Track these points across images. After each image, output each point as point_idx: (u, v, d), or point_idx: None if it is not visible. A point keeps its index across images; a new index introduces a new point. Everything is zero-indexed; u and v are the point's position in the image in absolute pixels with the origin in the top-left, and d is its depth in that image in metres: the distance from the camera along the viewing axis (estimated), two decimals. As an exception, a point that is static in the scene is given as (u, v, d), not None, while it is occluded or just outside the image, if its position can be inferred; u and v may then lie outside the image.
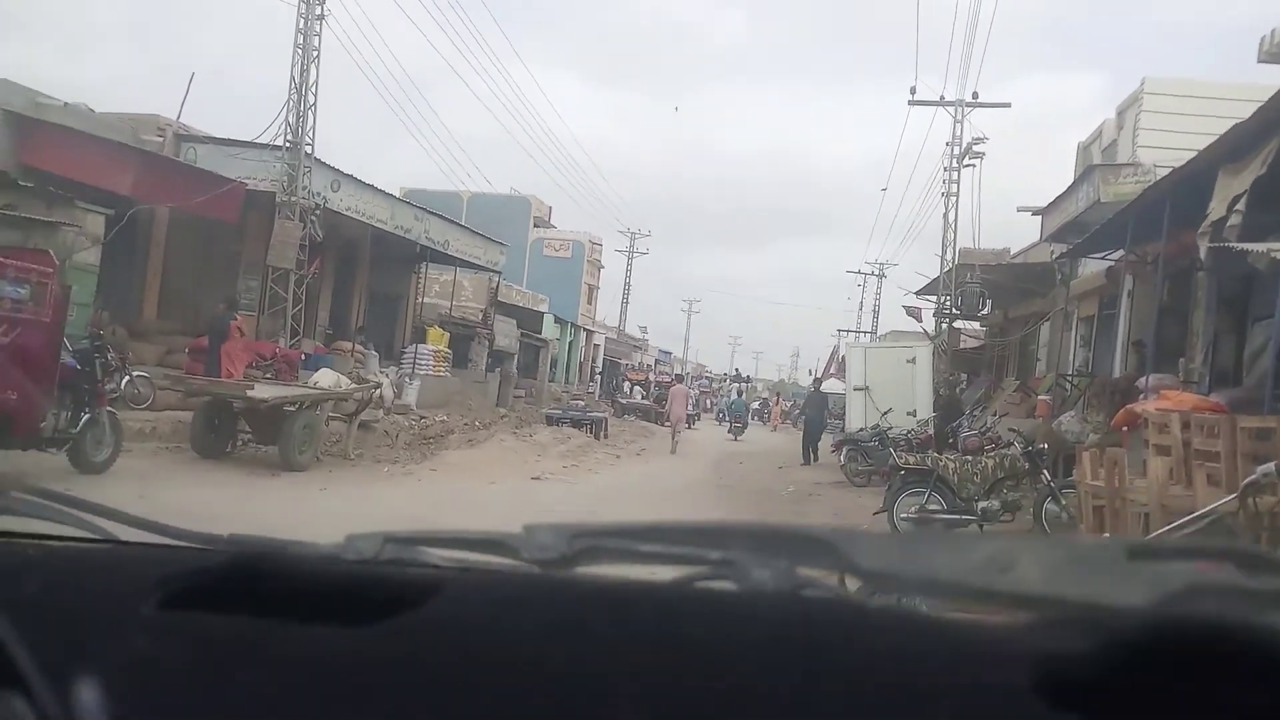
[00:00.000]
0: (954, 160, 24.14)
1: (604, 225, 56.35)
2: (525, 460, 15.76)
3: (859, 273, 53.02)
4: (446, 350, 24.46)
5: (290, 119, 17.61)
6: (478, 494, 11.68)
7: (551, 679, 0.66)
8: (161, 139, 17.70)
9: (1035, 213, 18.22)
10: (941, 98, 24.03)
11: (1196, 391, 9.95)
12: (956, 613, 0.75)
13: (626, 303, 51.06)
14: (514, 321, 31.19)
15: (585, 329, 44.94)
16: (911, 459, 10.67)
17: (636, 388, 39.14)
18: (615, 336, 50.24)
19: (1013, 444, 10.74)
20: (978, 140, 23.77)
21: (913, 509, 9.73)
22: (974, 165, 24.04)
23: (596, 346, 46.93)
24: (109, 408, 10.16)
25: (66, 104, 16.32)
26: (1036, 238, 19.29)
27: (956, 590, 0.72)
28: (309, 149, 17.75)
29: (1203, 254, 8.14)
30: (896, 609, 0.76)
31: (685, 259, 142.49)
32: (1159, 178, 10.64)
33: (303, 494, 10.38)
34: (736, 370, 64.89)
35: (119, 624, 0.76)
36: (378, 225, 20.72)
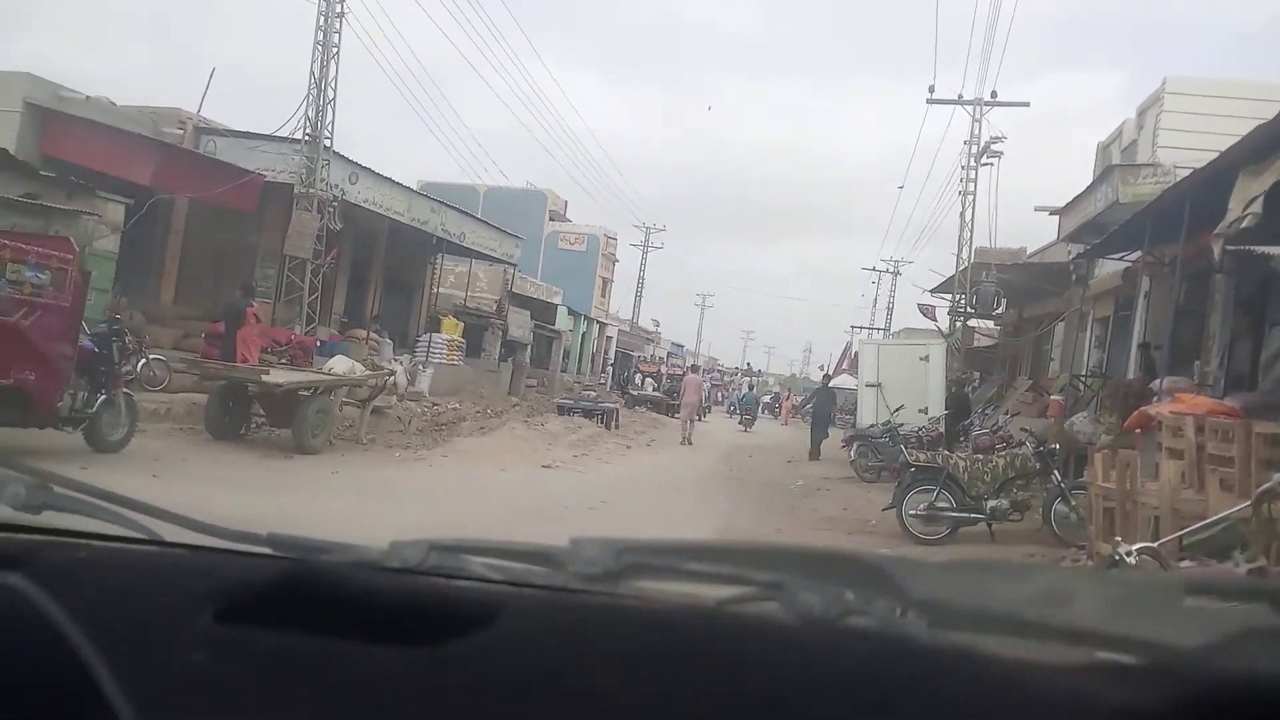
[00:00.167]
0: (972, 159, 24.05)
1: (619, 219, 56.45)
2: (536, 449, 15.82)
3: (873, 270, 52.93)
4: (460, 340, 24.58)
5: (310, 113, 17.71)
6: (489, 480, 11.75)
7: (601, 703, 0.66)
8: (182, 131, 17.85)
9: (1053, 212, 18.16)
10: (960, 96, 23.95)
11: (1211, 395, 9.91)
12: (1010, 646, 0.71)
13: (640, 296, 51.13)
14: (528, 313, 31.28)
15: (598, 321, 45.02)
16: (922, 456, 10.67)
17: (648, 380, 39.18)
18: (628, 329, 50.30)
19: (1024, 443, 10.72)
20: (996, 139, 23.68)
21: (921, 506, 9.74)
22: (992, 164, 23.97)
23: (609, 339, 47.00)
24: (125, 389, 10.28)
25: (88, 97, 16.47)
26: (1053, 237, 19.22)
27: (1011, 623, 0.70)
28: (328, 142, 17.87)
29: (1218, 256, 8.11)
30: (948, 641, 0.72)
31: (700, 253, 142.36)
32: (1179, 179, 10.59)
33: (315, 476, 10.48)
34: (748, 364, 64.96)
35: (174, 634, 0.76)
36: (394, 217, 20.86)
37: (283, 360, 15.43)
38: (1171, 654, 0.62)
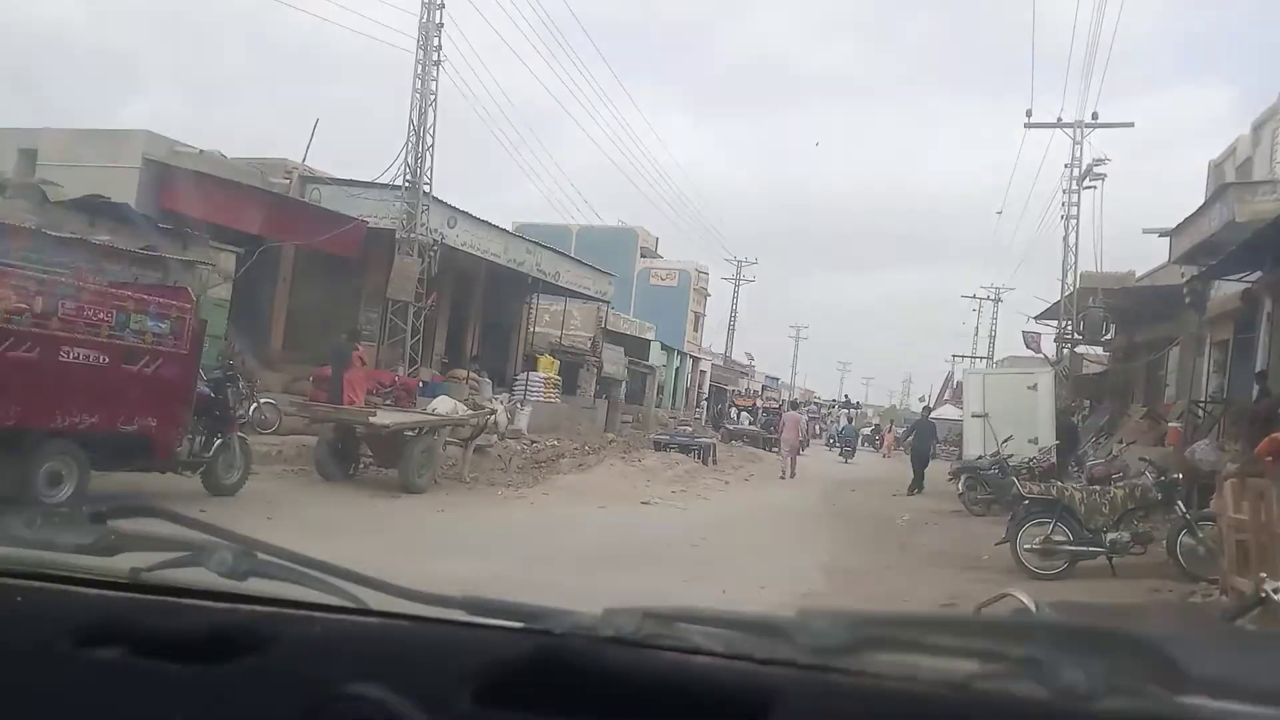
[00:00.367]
0: (1074, 182, 23.37)
1: (710, 254, 56.56)
2: (635, 485, 15.82)
3: (974, 297, 51.75)
4: (557, 377, 24.87)
5: (409, 160, 18.27)
6: (590, 518, 11.78)
7: None
8: (288, 181, 18.61)
9: (1163, 234, 17.46)
10: (1059, 119, 23.33)
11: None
12: None
13: (733, 329, 50.95)
14: (622, 349, 31.48)
15: (691, 356, 44.99)
16: (1036, 488, 10.29)
17: (744, 413, 38.88)
18: (721, 363, 50.12)
19: (1144, 473, 10.25)
20: (1099, 161, 22.98)
21: (1037, 540, 9.37)
22: (1095, 187, 23.22)
23: (703, 373, 46.91)
24: (239, 433, 10.65)
25: (201, 151, 17.33)
26: (1164, 260, 18.46)
27: None
28: (427, 188, 18.39)
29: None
30: None
31: (793, 285, 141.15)
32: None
33: (423, 515, 10.67)
34: (845, 396, 63.92)
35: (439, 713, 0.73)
36: (492, 259, 21.32)
37: (387, 401, 15.83)
38: None
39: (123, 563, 0.91)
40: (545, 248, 23.72)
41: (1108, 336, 22.27)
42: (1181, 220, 15.78)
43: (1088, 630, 0.76)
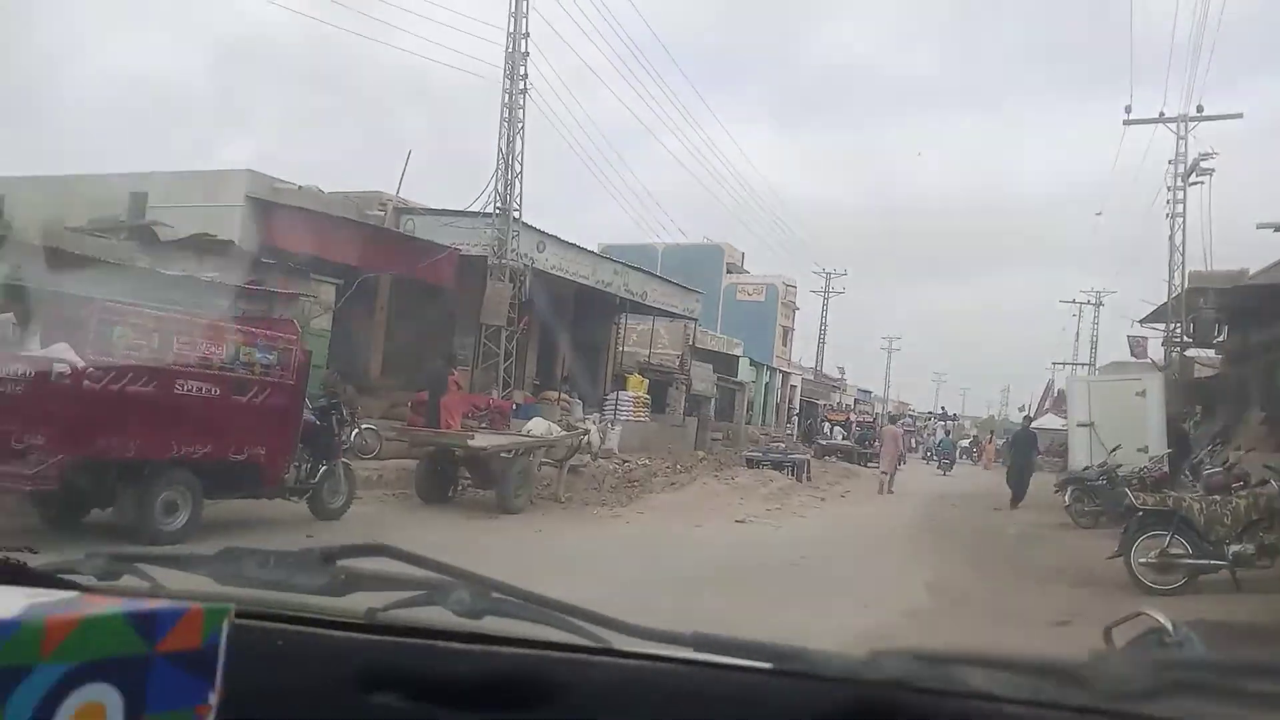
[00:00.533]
0: (1178, 179, 22.50)
1: (798, 267, 56.07)
2: (729, 503, 15.73)
3: (1073, 302, 50.16)
4: (646, 396, 24.93)
5: (499, 187, 18.63)
6: (686, 536, 11.74)
7: None
8: (383, 212, 19.15)
9: (1278, 229, 16.67)
10: (1161, 114, 22.52)
11: None
12: None
13: (823, 343, 50.41)
14: (710, 366, 31.40)
15: (781, 371, 44.62)
16: (1150, 498, 9.88)
17: (837, 428, 38.36)
18: (812, 377, 49.58)
19: (1268, 481, 9.74)
20: (1205, 156, 22.07)
21: (1152, 553, 8.98)
22: (1202, 182, 22.32)
23: (793, 388, 46.46)
24: (343, 459, 10.95)
25: (300, 187, 17.96)
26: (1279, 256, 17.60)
27: None
28: (516, 214, 18.73)
29: None
30: None
31: (884, 296, 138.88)
32: None
33: (521, 535, 10.79)
34: (942, 409, 62.54)
35: None
36: (580, 281, 21.57)
37: (483, 424, 16.07)
38: None
39: (354, 603, 0.91)
40: (632, 268, 23.90)
41: (1220, 338, 21.33)
42: (1297, 214, 15.04)
43: None
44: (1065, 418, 22.33)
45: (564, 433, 14.61)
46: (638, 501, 15.00)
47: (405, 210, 19.58)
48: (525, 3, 18.49)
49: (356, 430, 14.21)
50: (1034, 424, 23.95)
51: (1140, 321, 24.93)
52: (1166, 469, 15.86)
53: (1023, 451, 20.46)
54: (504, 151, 18.68)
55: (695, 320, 29.01)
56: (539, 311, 22.45)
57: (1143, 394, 17.99)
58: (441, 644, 0.85)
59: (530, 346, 22.57)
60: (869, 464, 29.39)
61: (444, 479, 13.08)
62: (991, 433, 49.57)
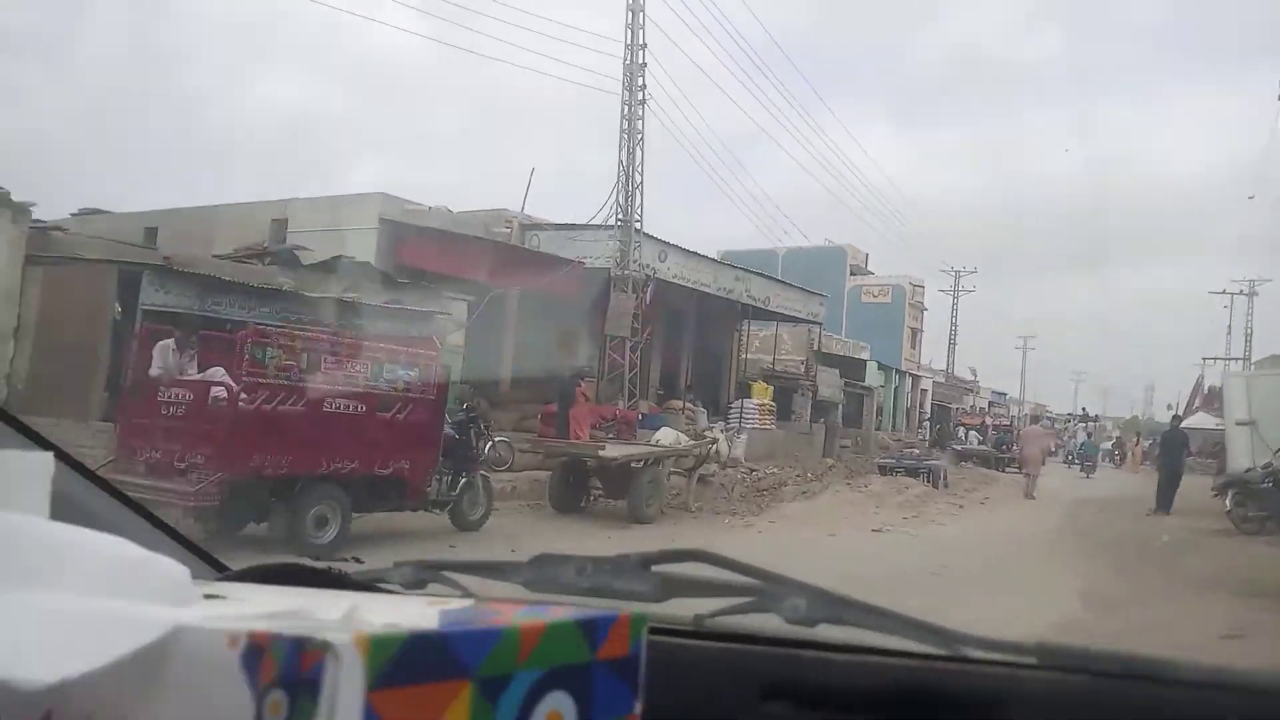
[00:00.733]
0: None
1: (925, 266, 54.64)
2: (863, 511, 15.42)
3: (1224, 293, 47.39)
4: (771, 404, 24.71)
5: (620, 199, 18.84)
6: (821, 545, 11.55)
7: None
8: (509, 229, 19.61)
9: None
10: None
11: None
12: None
13: (954, 344, 49.03)
14: (836, 371, 30.90)
15: (910, 374, 43.56)
16: (1326, 503, 9.19)
17: (972, 432, 37.16)
18: (943, 380, 48.24)
19: None
20: (1368, 129, 20.49)
21: (1333, 561, 8.35)
22: (1366, 158, 20.73)
23: (924, 391, 45.29)
24: (481, 471, 11.21)
25: (430, 208, 18.56)
26: None
27: None
28: (638, 225, 18.88)
29: None
30: None
31: (1017, 293, 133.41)
32: None
33: (654, 544, 10.75)
34: (1083, 409, 59.94)
35: None
36: (702, 289, 21.58)
37: (610, 435, 16.25)
38: None
39: (674, 609, 0.90)
40: (753, 273, 23.79)
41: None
42: None
43: None
44: (1219, 416, 21.07)
45: (692, 442, 14.62)
46: (769, 510, 14.86)
47: (530, 226, 20.00)
48: (642, 14, 18.66)
49: (490, 443, 14.53)
50: (1183, 423, 22.65)
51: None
52: (1341, 470, 14.74)
53: (1174, 453, 19.34)
54: (624, 163, 18.87)
55: (819, 324, 28.62)
56: (661, 321, 22.60)
57: (1310, 389, 16.81)
58: (794, 651, 0.83)
59: (653, 356, 22.69)
60: (1007, 469, 28.36)
61: (576, 489, 13.25)
62: (1137, 434, 47.23)
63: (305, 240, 17.03)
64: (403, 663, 0.44)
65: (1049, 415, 59.36)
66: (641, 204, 18.91)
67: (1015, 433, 33.14)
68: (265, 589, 0.68)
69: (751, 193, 40.52)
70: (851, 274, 44.05)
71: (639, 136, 18.85)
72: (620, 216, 18.83)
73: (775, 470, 19.15)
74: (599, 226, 19.01)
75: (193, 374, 9.38)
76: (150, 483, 7.93)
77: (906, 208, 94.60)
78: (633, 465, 12.89)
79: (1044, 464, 26.15)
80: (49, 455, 0.58)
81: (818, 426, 27.51)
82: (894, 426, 39.21)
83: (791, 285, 26.45)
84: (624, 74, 18.76)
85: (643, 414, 19.23)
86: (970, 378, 53.44)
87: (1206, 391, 41.96)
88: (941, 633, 0.80)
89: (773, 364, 28.31)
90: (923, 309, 47.11)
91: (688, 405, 21.92)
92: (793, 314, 26.16)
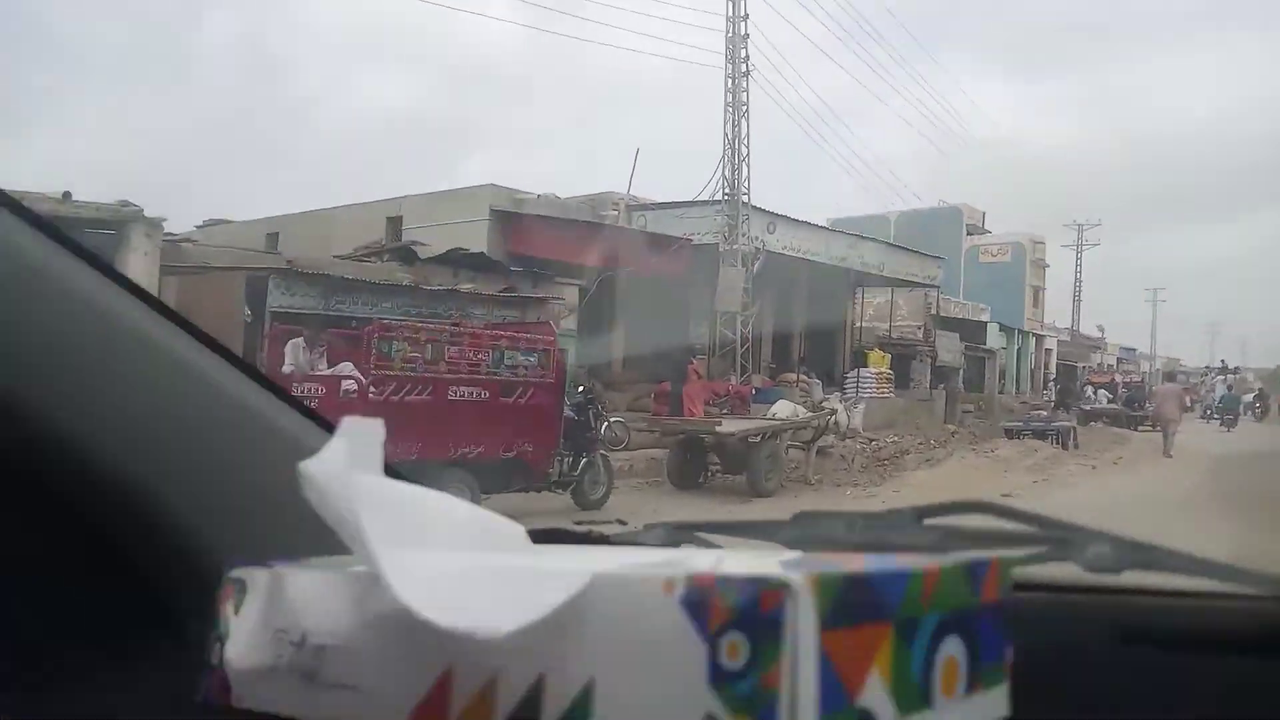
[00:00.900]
0: None
1: (1046, 222, 52.64)
2: (990, 476, 15.03)
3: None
4: (888, 371, 24.28)
5: (726, 173, 18.74)
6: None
7: None
8: (616, 212, 19.76)
9: None
10: None
11: None
12: None
13: (1078, 301, 47.17)
14: (955, 335, 30.12)
15: (1033, 334, 42.08)
16: None
17: (1101, 391, 35.70)
18: (1068, 339, 46.44)
19: None
20: None
21: None
22: None
23: (1048, 351, 43.69)
24: (601, 451, 11.41)
25: (539, 195, 18.84)
26: None
27: None
28: (745, 198, 18.75)
29: None
30: None
31: (1144, 245, 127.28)
32: None
33: (778, 517, 10.77)
34: (1222, 361, 56.86)
35: None
36: (813, 259, 21.30)
37: (725, 410, 16.24)
38: None
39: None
40: (865, 239, 23.40)
41: None
42: None
43: None
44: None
45: (810, 414, 14.52)
46: (891, 480, 14.64)
47: (637, 207, 20.09)
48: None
49: (606, 423, 14.74)
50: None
51: None
52: None
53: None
54: (729, 136, 18.76)
55: (936, 288, 27.92)
56: (771, 294, 22.40)
57: None
58: (1121, 598, 0.80)
59: (765, 330, 22.52)
60: (1139, 428, 27.15)
61: (694, 465, 13.32)
62: (1286, 384, 44.48)
63: (420, 235, 17.52)
64: (843, 604, 0.43)
65: (1182, 369, 56.54)
66: (748, 176, 18.81)
67: (1147, 389, 31.68)
68: (558, 548, 0.67)
69: (861, 157, 39.70)
70: (968, 234, 42.73)
71: (743, 109, 18.70)
72: (727, 190, 18.74)
73: (895, 439, 18.82)
74: (706, 202, 18.95)
75: (323, 370, 9.81)
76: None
77: (1024, 163, 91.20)
78: (750, 440, 12.88)
79: (1180, 420, 24.99)
80: (380, 421, 0.59)
81: (938, 393, 26.87)
82: (1018, 389, 37.99)
83: (905, 249, 25.88)
84: (726, 46, 18.62)
85: (756, 388, 19.13)
86: (1097, 335, 51.29)
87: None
88: (1253, 574, 0.78)
89: (889, 331, 27.78)
90: (1044, 266, 45.40)
91: (802, 378, 21.73)
92: (908, 278, 25.60)
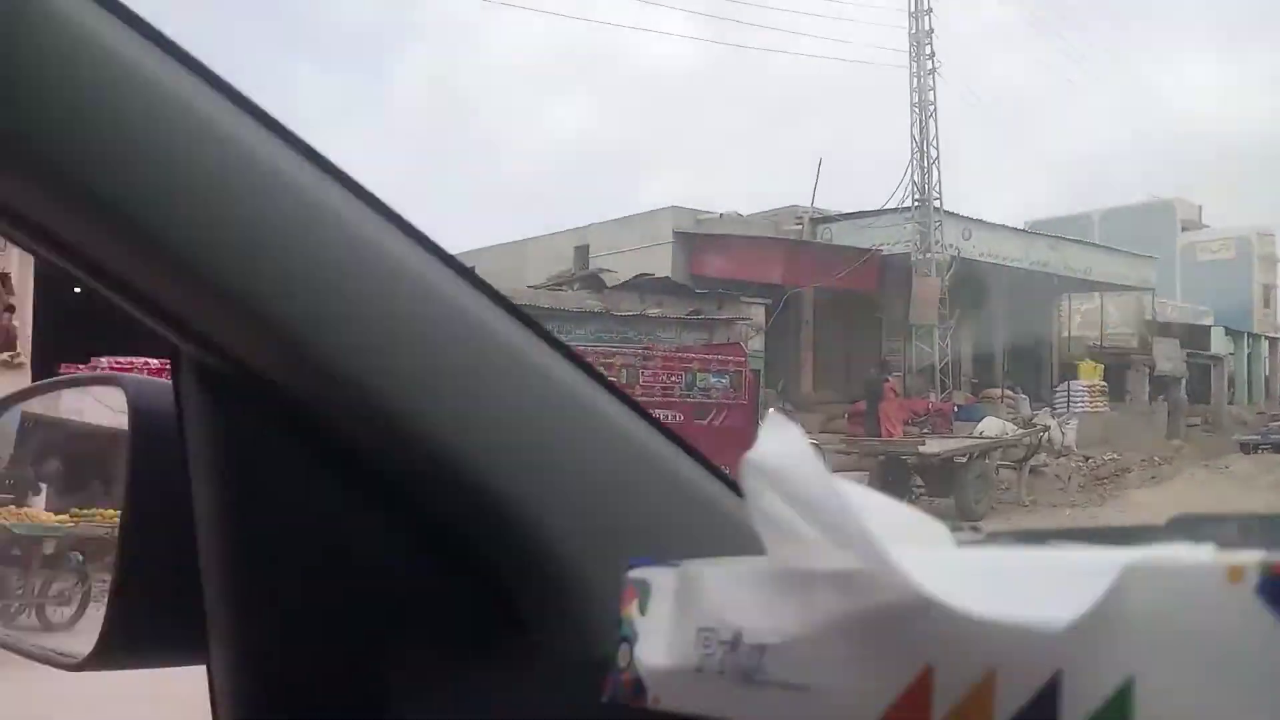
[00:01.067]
0: None
1: (1274, 211, 48.09)
2: (1225, 496, 13.79)
3: None
4: (1102, 383, 22.76)
5: (915, 178, 18.07)
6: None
7: None
8: (800, 226, 19.39)
9: None
10: None
11: None
12: None
13: (1318, 298, 42.63)
14: (1175, 341, 27.86)
15: (1265, 337, 38.43)
16: None
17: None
18: (1307, 341, 42.12)
19: None
20: None
21: None
22: None
23: (1285, 355, 39.80)
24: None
25: (720, 215, 18.75)
26: None
27: None
28: (937, 203, 18.01)
29: None
30: None
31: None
32: None
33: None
34: None
35: None
36: (1012, 265, 20.29)
37: (926, 430, 15.57)
38: None
39: None
40: (1069, 240, 22.07)
41: None
42: None
43: None
44: None
45: (1020, 431, 13.73)
46: (1113, 500, 13.66)
47: (821, 220, 19.67)
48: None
49: (801, 446, 14.40)
50: None
51: None
52: None
53: None
54: (917, 139, 18.08)
55: (1151, 290, 26.01)
56: (968, 304, 21.43)
57: None
58: None
59: (964, 343, 21.54)
60: None
61: (897, 488, 12.73)
62: None
63: (605, 261, 17.76)
64: None
65: None
66: (939, 180, 18.04)
67: None
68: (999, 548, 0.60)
69: (1060, 154, 37.39)
70: (1183, 230, 39.68)
71: (931, 108, 17.99)
72: (917, 196, 18.03)
73: (1114, 456, 17.63)
74: (894, 210, 18.30)
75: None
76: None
77: (1245, 149, 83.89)
78: (956, 460, 12.30)
79: None
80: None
81: (1158, 404, 25.01)
82: (1250, 398, 34.74)
83: (1114, 250, 24.24)
84: (910, 44, 17.97)
85: (958, 405, 18.31)
86: (1343, 335, 46.30)
87: None
88: None
89: (1099, 340, 26.05)
90: (1276, 261, 41.47)
91: (1007, 392, 20.66)
92: (1118, 282, 23.98)
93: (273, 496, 0.65)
